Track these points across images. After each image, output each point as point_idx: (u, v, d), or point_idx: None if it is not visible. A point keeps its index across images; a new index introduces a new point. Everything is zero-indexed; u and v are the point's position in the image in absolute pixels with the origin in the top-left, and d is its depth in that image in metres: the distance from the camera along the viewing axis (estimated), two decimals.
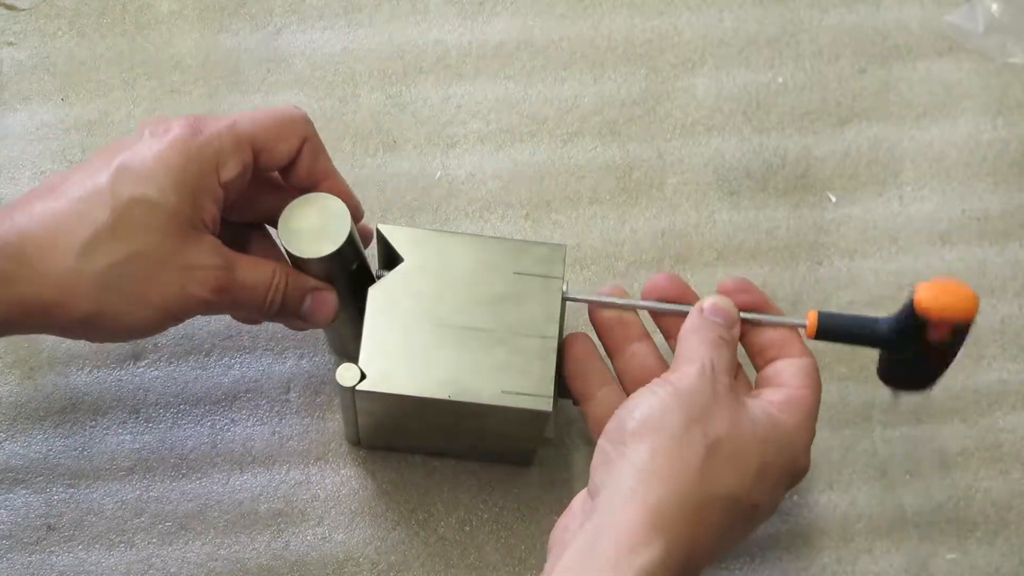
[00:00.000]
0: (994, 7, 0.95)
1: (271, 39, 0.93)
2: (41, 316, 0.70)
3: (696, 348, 0.72)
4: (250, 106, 0.91)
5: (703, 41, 0.95)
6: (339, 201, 0.75)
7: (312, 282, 0.76)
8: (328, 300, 0.76)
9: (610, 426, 0.71)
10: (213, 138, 0.73)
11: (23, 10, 0.93)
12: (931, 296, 0.69)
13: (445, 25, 0.95)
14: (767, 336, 0.76)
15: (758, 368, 0.76)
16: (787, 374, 0.74)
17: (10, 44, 0.92)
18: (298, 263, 0.75)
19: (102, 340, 0.74)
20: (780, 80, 0.94)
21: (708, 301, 0.75)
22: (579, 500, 0.71)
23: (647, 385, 0.72)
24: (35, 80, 0.91)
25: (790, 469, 0.72)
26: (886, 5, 0.97)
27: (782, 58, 0.95)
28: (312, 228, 0.74)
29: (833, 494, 0.86)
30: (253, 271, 0.74)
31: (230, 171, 0.73)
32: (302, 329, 0.81)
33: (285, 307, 0.75)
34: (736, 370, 0.75)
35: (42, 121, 0.90)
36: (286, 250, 0.75)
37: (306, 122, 0.76)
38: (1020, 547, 0.85)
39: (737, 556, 0.84)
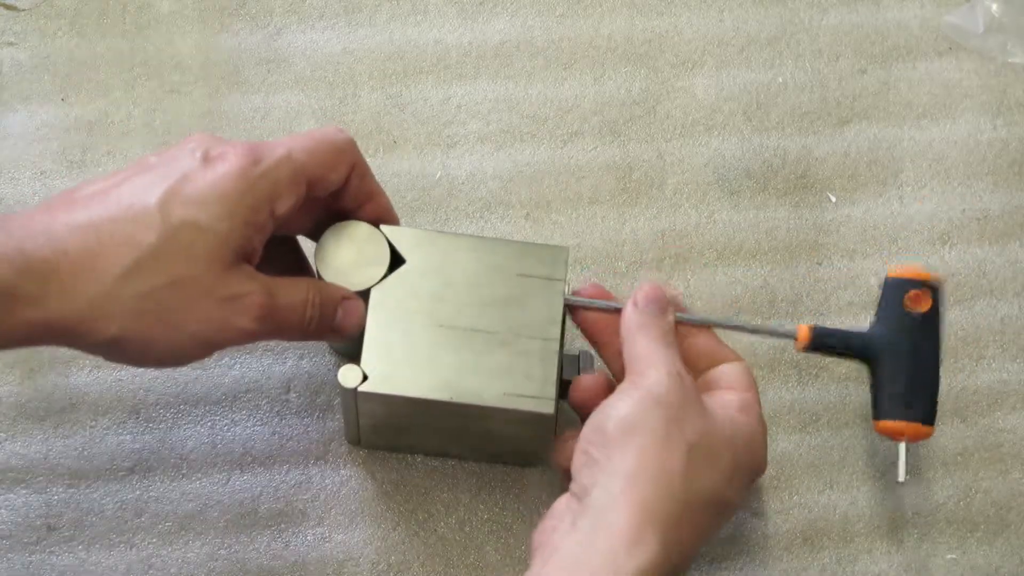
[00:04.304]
0: (994, 7, 0.95)
1: (271, 39, 0.93)
2: (66, 335, 0.68)
3: (652, 350, 0.74)
4: (250, 106, 0.91)
5: (703, 41, 0.95)
6: (366, 225, 0.77)
7: (341, 291, 0.76)
8: (357, 308, 0.76)
9: (587, 431, 0.72)
10: (271, 170, 0.71)
11: (23, 10, 0.93)
12: (899, 266, 0.80)
13: (445, 25, 0.94)
14: (700, 346, 0.78)
15: (695, 373, 0.77)
16: (731, 377, 0.77)
17: (10, 44, 0.92)
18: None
19: (131, 364, 0.72)
20: (780, 80, 0.94)
21: (640, 293, 0.76)
22: (563, 503, 0.72)
23: (619, 388, 0.73)
24: (35, 80, 0.91)
25: (754, 467, 0.75)
26: (886, 5, 0.97)
27: (782, 58, 0.95)
28: (352, 259, 0.76)
29: (833, 494, 0.86)
30: (290, 291, 0.73)
31: (284, 205, 0.72)
32: (336, 342, 0.82)
33: (322, 322, 0.75)
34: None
35: (42, 121, 0.90)
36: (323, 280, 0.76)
37: (353, 147, 0.76)
38: (1020, 547, 0.85)
39: (737, 556, 0.84)
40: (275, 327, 0.73)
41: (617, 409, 0.71)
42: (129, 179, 0.70)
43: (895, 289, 0.79)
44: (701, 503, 0.70)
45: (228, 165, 0.70)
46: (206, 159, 0.70)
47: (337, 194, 0.76)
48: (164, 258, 0.68)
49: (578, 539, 0.68)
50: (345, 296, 0.76)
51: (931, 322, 0.79)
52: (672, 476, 0.69)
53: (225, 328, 0.71)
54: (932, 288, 0.79)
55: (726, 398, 0.75)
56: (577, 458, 0.72)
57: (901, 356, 0.78)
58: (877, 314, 0.79)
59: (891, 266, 0.80)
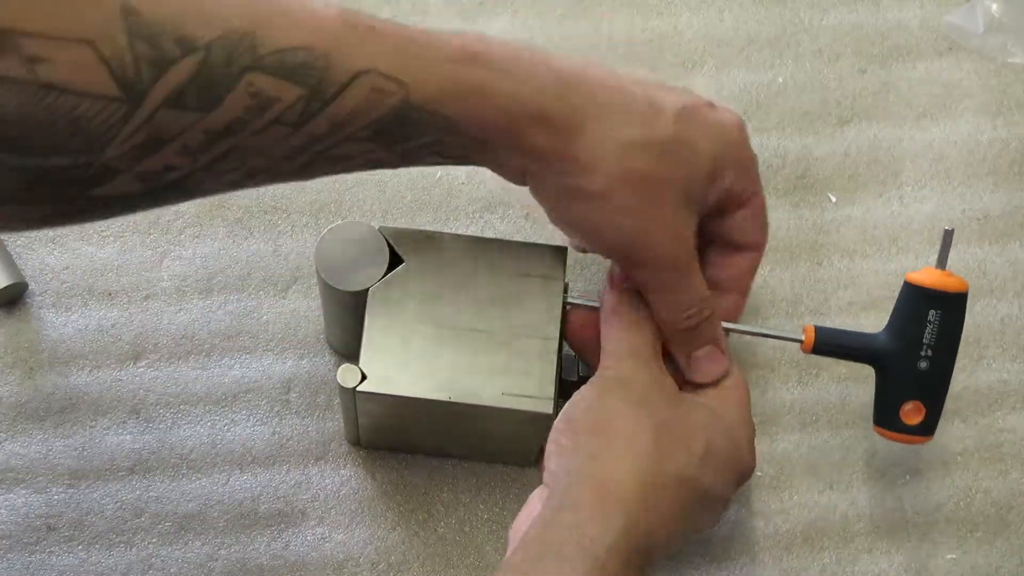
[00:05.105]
0: (994, 7, 0.95)
1: None
2: (565, 167, 0.69)
3: (622, 335, 0.74)
4: None
5: (703, 41, 0.95)
6: (366, 225, 0.77)
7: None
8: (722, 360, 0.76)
9: (558, 424, 0.73)
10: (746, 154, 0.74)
11: None
12: (922, 273, 0.77)
13: (445, 25, 0.94)
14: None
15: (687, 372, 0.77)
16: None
17: None
18: (342, 295, 0.76)
19: (591, 237, 0.72)
20: (780, 80, 0.94)
21: (617, 270, 0.76)
22: (536, 494, 0.73)
23: (591, 379, 0.74)
24: None
25: (736, 463, 0.74)
26: (886, 5, 0.97)
27: (782, 58, 0.95)
28: (352, 259, 0.76)
29: (833, 494, 0.86)
30: (699, 277, 0.73)
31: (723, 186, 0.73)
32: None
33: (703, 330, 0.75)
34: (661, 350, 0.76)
35: None
36: (326, 282, 0.76)
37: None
38: (1020, 547, 0.85)
39: (737, 556, 0.84)
40: (670, 287, 0.73)
41: (585, 397, 0.73)
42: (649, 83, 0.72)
43: (911, 295, 0.77)
44: (671, 483, 0.70)
45: (735, 119, 0.73)
46: (719, 108, 0.73)
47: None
48: (660, 154, 0.69)
49: (544, 518, 0.69)
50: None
51: (947, 333, 0.77)
52: (638, 455, 0.69)
53: (663, 246, 0.71)
54: (952, 297, 0.76)
55: (710, 393, 0.75)
56: (549, 449, 0.73)
57: (910, 366, 0.77)
58: (891, 318, 0.78)
59: (910, 272, 0.78)
